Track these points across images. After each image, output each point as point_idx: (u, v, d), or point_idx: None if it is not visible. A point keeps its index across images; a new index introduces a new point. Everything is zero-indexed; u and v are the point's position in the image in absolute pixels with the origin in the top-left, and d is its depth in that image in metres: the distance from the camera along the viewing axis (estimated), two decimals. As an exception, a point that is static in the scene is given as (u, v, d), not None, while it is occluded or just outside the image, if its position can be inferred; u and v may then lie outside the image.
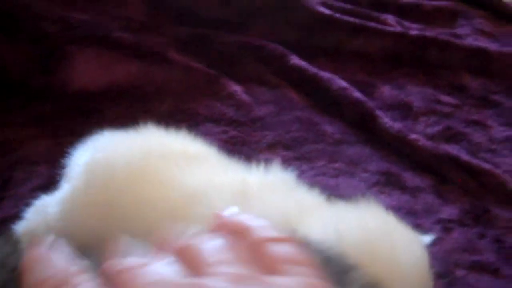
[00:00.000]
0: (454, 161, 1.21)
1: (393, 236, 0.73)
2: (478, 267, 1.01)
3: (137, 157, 0.80)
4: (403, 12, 1.88)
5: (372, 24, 1.66)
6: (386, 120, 1.31)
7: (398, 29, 1.67)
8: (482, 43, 1.70)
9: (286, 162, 1.04)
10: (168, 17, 1.59)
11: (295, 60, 1.50)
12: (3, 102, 1.30)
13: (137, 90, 1.39)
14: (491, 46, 1.66)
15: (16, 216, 0.97)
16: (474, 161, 1.22)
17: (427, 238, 0.80)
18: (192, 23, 1.60)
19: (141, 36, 1.48)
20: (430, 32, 1.68)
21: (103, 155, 0.82)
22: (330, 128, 1.33)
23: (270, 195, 0.77)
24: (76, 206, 0.81)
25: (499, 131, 1.36)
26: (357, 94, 1.39)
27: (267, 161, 0.87)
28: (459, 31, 1.81)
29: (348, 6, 1.75)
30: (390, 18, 1.77)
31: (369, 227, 0.73)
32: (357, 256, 0.65)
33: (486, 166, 1.20)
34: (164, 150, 0.82)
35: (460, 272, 0.99)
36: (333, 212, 0.76)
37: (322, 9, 1.67)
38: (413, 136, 1.26)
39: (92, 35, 1.41)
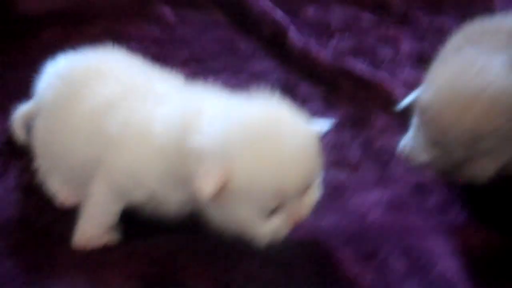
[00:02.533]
0: (348, 73, 1.31)
1: (281, 122, 0.81)
2: (340, 164, 1.12)
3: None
4: None
5: None
6: (296, 37, 1.41)
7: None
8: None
9: (195, 75, 1.16)
10: None
11: (226, -17, 1.60)
12: None
13: (74, 15, 1.52)
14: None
15: None
16: (367, 73, 1.31)
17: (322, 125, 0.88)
18: None
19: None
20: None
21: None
22: (244, 45, 1.44)
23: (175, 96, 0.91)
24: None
25: (407, 46, 1.44)
26: (276, 14, 1.48)
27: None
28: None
29: None
30: None
31: (257, 115, 0.81)
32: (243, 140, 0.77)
33: (377, 77, 1.29)
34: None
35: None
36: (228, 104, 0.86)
37: None
38: (315, 51, 1.36)
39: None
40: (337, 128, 1.20)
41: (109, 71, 0.97)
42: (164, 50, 1.41)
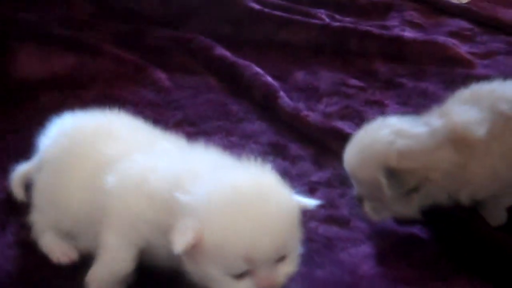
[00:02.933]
0: (337, 132, 1.36)
1: (259, 190, 0.84)
2: (330, 220, 1.16)
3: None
4: (339, 7, 2.03)
5: (298, 18, 1.82)
6: (286, 99, 1.47)
7: (322, 21, 1.82)
8: (406, 32, 1.84)
9: (188, 136, 1.20)
10: (110, 16, 1.78)
11: (220, 50, 1.68)
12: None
13: (71, 79, 1.58)
14: (409, 34, 1.80)
15: None
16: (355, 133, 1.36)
17: (310, 202, 0.91)
18: (133, 20, 1.79)
19: (81, 32, 1.67)
20: (353, 24, 1.83)
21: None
22: (236, 107, 1.50)
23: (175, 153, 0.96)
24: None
25: (394, 109, 1.50)
26: (267, 79, 1.55)
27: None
28: (389, 23, 1.96)
29: (279, 1, 1.91)
30: (322, 13, 1.92)
31: (238, 181, 0.84)
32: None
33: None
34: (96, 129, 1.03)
35: (312, 224, 1.14)
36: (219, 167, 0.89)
37: (252, 5, 1.84)
38: (305, 112, 1.42)
39: (34, 32, 1.61)
40: (326, 187, 1.24)
41: (115, 132, 1.01)
42: (158, 113, 1.46)
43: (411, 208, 1.06)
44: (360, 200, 1.11)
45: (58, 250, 1.02)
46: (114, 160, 0.96)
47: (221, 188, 0.84)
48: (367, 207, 1.10)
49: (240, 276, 0.81)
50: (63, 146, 1.02)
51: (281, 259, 0.83)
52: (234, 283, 0.82)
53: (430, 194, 1.05)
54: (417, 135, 1.04)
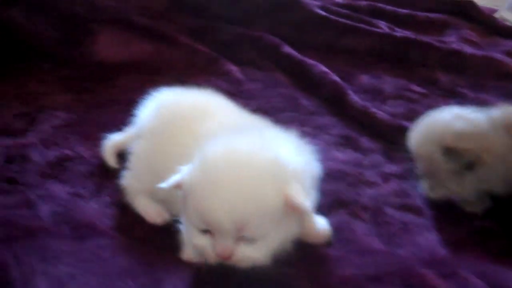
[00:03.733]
0: (406, 130, 1.41)
1: (244, 167, 0.85)
2: (405, 208, 1.21)
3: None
4: (397, 21, 2.10)
5: (362, 25, 1.89)
6: (354, 97, 1.53)
7: (385, 31, 1.89)
8: (465, 47, 1.90)
9: None
10: (183, 10, 1.86)
11: (287, 49, 1.75)
12: (36, 64, 1.58)
13: (147, 65, 1.66)
14: (468, 49, 1.86)
15: (36, 144, 1.26)
16: (424, 132, 1.42)
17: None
18: (204, 16, 1.87)
19: (157, 22, 1.75)
20: (414, 35, 1.90)
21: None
22: (306, 102, 1.56)
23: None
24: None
25: (456, 115, 1.56)
26: (335, 78, 1.62)
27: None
28: (446, 39, 2.02)
29: (344, 11, 1.98)
30: (382, 24, 1.99)
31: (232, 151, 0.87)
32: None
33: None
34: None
35: (388, 210, 1.20)
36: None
37: (318, 11, 1.91)
38: (374, 109, 1.48)
39: (114, 17, 1.69)
40: (398, 178, 1.29)
41: (212, 110, 1.08)
42: (233, 101, 1.52)
43: (465, 187, 1.14)
44: (420, 177, 1.20)
45: (152, 212, 1.08)
46: (207, 136, 1.02)
47: (214, 149, 0.88)
48: (425, 184, 1.19)
49: (204, 232, 0.85)
50: (164, 118, 1.09)
51: (249, 240, 0.84)
52: (197, 235, 0.86)
53: (485, 177, 1.13)
54: (474, 119, 1.14)
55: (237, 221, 0.82)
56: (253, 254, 0.85)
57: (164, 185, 0.89)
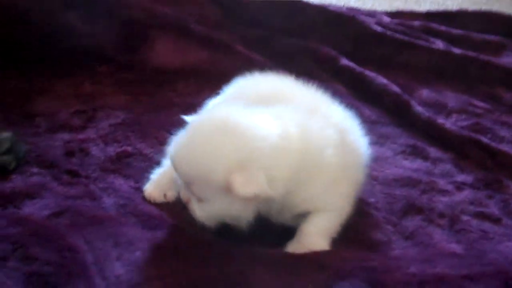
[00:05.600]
0: (476, 142, 1.36)
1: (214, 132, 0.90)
2: (482, 216, 1.15)
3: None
4: (453, 41, 2.05)
5: (419, 42, 1.85)
6: (419, 108, 1.48)
7: (443, 47, 1.84)
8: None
9: None
10: (238, 20, 1.84)
11: (344, 61, 1.71)
12: (96, 68, 1.56)
13: (204, 72, 1.63)
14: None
15: (95, 139, 1.23)
16: (494, 144, 1.36)
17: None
18: (259, 27, 1.84)
19: (213, 31, 1.73)
20: (472, 53, 1.85)
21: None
22: (368, 111, 1.51)
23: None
24: None
25: (524, 131, 1.50)
26: (396, 89, 1.57)
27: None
28: (503, 59, 1.97)
29: (400, 27, 1.95)
30: (438, 42, 1.95)
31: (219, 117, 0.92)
32: None
33: (504, 148, 1.34)
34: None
35: (465, 218, 1.13)
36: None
37: (375, 27, 1.88)
38: (441, 120, 1.42)
39: (171, 24, 1.67)
40: (472, 188, 1.23)
41: (289, 95, 1.08)
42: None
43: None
44: None
45: (156, 190, 1.09)
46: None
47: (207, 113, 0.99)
48: None
49: None
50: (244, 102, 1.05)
51: (198, 198, 0.89)
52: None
53: None
54: None
55: (184, 178, 0.90)
56: (197, 211, 0.90)
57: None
